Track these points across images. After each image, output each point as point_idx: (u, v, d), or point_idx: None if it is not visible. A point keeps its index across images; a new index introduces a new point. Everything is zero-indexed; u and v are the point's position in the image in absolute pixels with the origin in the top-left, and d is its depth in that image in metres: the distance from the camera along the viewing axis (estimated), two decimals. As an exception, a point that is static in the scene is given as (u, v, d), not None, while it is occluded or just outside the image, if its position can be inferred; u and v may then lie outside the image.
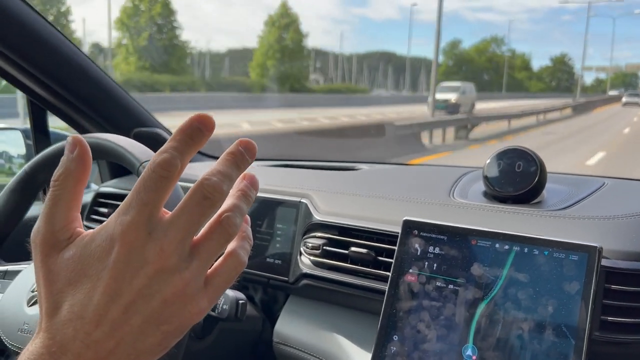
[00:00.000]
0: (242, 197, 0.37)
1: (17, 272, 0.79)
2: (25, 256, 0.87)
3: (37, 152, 1.26)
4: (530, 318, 0.62)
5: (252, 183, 0.38)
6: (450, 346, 0.66)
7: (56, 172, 0.36)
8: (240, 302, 0.76)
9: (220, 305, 0.76)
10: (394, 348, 0.68)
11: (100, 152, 0.79)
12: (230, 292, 0.77)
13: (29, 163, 0.84)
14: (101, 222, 1.40)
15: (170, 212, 0.35)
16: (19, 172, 0.84)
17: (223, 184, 0.35)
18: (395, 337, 0.69)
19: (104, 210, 1.19)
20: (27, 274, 0.76)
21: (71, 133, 1.24)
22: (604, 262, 0.63)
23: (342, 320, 0.90)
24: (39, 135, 1.25)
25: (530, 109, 19.89)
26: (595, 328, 0.63)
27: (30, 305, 0.72)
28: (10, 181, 0.85)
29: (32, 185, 0.85)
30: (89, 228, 1.28)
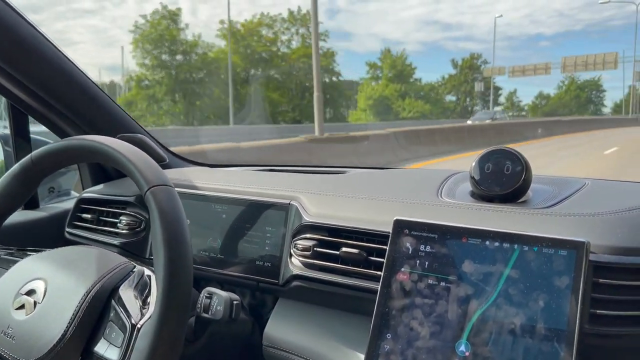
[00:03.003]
0: None
1: (8, 262, 0.78)
2: (17, 242, 0.87)
3: (18, 159, 1.24)
4: (522, 313, 0.63)
5: None
6: (443, 343, 0.66)
7: None
8: (235, 302, 0.76)
9: (215, 306, 0.75)
10: (387, 346, 0.69)
11: (106, 159, 0.75)
12: (224, 293, 0.76)
13: (37, 151, 0.82)
14: (84, 228, 1.37)
15: None
16: (24, 159, 0.83)
17: None
18: (389, 335, 0.69)
19: (87, 216, 1.17)
20: (15, 274, 0.75)
21: (53, 140, 1.22)
22: (591, 256, 0.65)
23: (332, 323, 0.90)
24: (19, 141, 1.23)
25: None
26: (585, 321, 0.64)
27: (17, 309, 0.70)
28: (14, 166, 0.83)
29: (35, 173, 0.83)
30: (72, 235, 1.25)
